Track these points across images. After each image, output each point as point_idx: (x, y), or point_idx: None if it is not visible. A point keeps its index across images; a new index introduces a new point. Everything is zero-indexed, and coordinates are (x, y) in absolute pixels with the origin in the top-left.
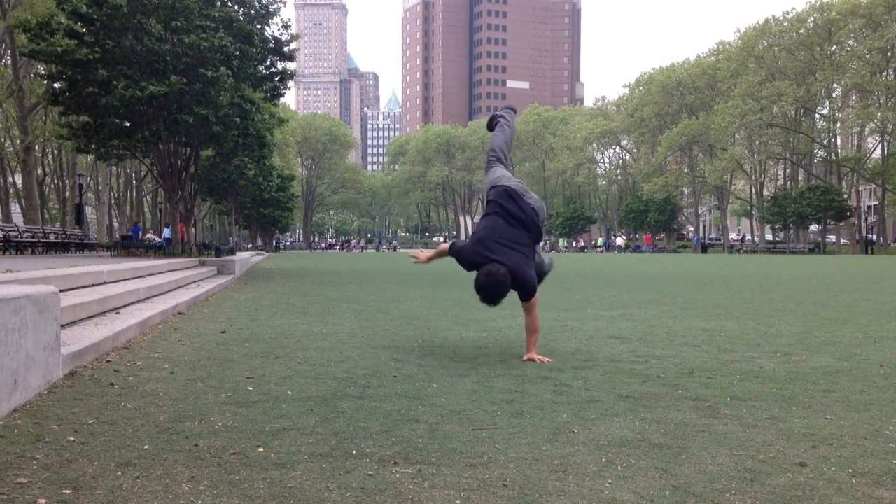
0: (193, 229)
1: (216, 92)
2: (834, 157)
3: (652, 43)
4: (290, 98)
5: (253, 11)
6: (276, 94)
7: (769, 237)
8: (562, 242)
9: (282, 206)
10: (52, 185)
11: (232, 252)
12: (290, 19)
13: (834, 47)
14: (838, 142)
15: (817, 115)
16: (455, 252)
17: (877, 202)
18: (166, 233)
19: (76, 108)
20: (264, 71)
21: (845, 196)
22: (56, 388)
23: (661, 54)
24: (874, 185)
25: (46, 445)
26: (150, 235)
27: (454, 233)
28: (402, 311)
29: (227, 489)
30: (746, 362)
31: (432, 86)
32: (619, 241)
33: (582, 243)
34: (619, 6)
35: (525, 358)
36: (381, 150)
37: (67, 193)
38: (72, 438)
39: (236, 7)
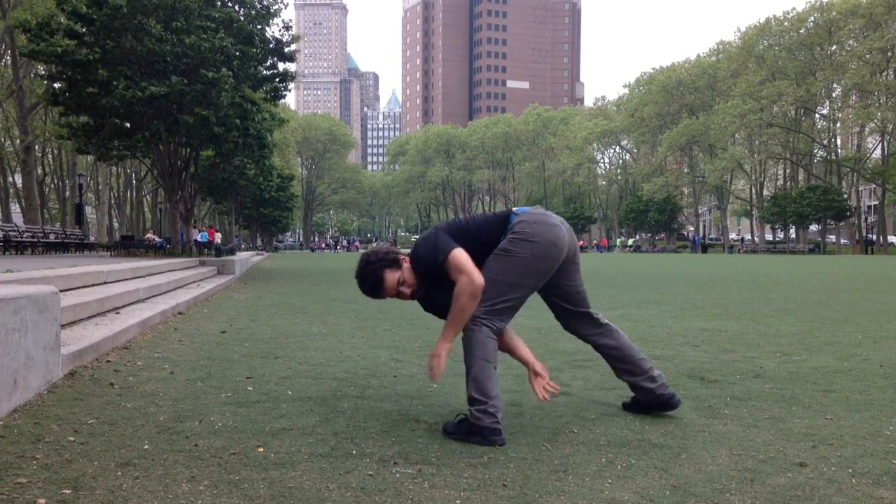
0: (219, 234)
1: (216, 93)
2: (834, 157)
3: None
4: (290, 98)
5: (253, 12)
6: (276, 96)
7: (769, 237)
8: None
9: (282, 206)
10: (52, 185)
11: (232, 252)
12: (290, 20)
13: (834, 47)
14: (838, 142)
15: (817, 115)
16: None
17: (877, 202)
18: (202, 236)
19: (76, 108)
20: (265, 72)
21: (845, 196)
22: (56, 388)
23: (662, 54)
24: (874, 185)
25: (46, 445)
26: (149, 236)
27: None
28: (402, 311)
29: (227, 489)
30: (746, 362)
31: (432, 86)
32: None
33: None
34: (619, 6)
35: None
36: (381, 150)
37: (67, 193)
38: (72, 438)
39: (237, 7)
